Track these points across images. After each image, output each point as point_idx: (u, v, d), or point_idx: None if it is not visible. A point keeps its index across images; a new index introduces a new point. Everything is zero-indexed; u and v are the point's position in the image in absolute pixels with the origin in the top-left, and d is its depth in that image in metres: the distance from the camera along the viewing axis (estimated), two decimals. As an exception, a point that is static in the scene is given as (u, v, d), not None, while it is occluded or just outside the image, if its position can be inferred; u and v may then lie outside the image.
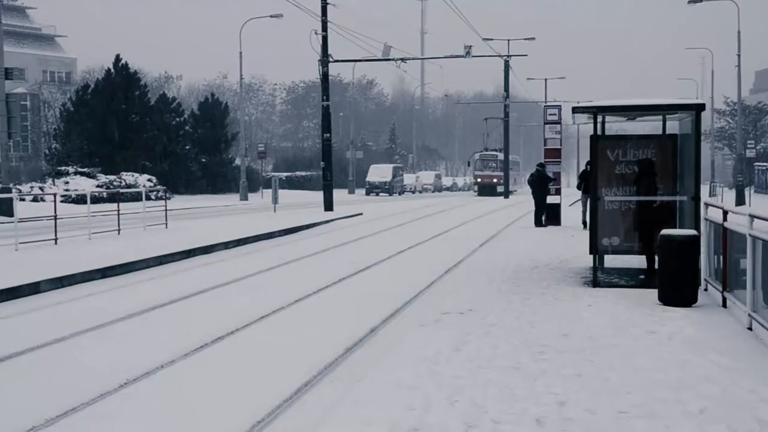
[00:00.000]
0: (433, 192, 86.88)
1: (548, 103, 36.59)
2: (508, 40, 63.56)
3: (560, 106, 30.66)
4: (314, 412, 7.35)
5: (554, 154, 29.35)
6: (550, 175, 28.41)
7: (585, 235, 17.62)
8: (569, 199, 39.22)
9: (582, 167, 26.96)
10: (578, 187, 26.49)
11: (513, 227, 29.03)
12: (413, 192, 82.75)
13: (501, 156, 68.73)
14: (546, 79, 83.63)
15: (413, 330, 10.47)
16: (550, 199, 28.48)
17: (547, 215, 28.13)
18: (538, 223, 27.96)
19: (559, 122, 29.70)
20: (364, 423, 6.75)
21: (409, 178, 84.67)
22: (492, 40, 58.49)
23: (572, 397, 7.39)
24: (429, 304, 12.57)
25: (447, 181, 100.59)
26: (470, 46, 50.51)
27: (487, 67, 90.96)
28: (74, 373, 8.76)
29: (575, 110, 14.19)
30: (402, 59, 47.06)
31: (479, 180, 72.01)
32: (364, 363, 9.05)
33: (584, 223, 24.93)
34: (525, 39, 61.99)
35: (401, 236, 25.58)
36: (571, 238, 22.85)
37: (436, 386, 7.73)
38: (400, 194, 75.57)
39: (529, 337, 9.77)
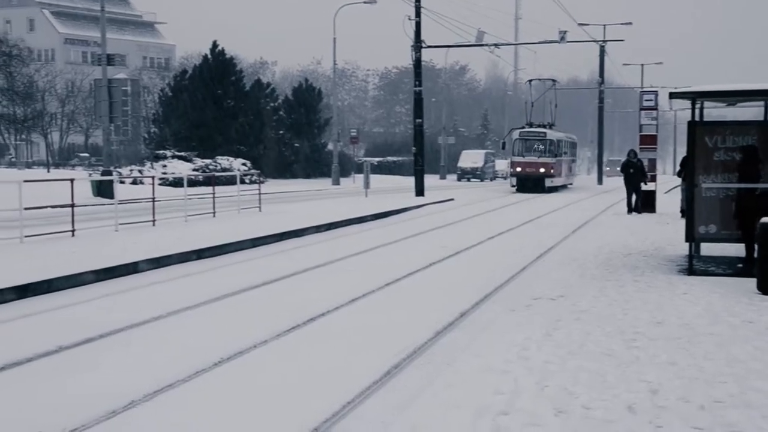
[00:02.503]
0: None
1: (644, 89, 35.94)
2: (604, 25, 62.47)
3: (657, 91, 30.07)
4: (403, 394, 7.37)
5: (650, 140, 28.76)
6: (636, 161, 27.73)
7: (681, 223, 17.27)
8: (664, 186, 38.54)
9: (681, 154, 26.36)
10: (678, 175, 25.89)
11: (606, 214, 28.60)
12: (505, 178, 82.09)
13: (554, 135, 48.80)
14: (642, 65, 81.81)
15: (503, 315, 10.43)
16: (645, 187, 27.95)
17: (642, 202, 27.63)
18: (630, 210, 27.58)
19: (655, 108, 29.09)
20: (453, 406, 6.76)
21: (501, 164, 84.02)
22: (587, 25, 57.54)
23: (665, 385, 7.25)
24: (519, 290, 12.49)
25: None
26: (565, 32, 49.75)
27: (582, 52, 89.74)
28: (169, 351, 8.98)
29: (672, 96, 13.89)
30: (495, 45, 46.69)
31: (518, 169, 47.47)
32: (453, 347, 9.04)
33: (682, 211, 24.39)
34: (621, 24, 60.81)
35: (492, 222, 25.47)
36: (666, 226, 22.41)
37: (525, 371, 7.69)
38: (491, 180, 75.04)
39: (622, 324, 9.63)
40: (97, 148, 74.52)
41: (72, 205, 18.26)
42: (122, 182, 35.07)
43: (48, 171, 63.80)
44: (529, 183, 46.42)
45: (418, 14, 38.30)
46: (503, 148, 51.39)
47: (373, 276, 13.97)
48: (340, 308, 11.29)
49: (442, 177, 74.26)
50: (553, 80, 54.72)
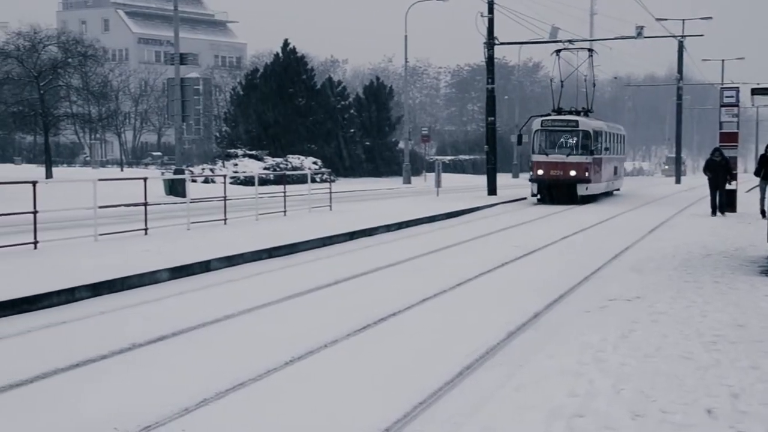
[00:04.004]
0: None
1: (725, 85, 35.04)
2: (683, 20, 61.17)
3: (738, 88, 29.21)
4: (475, 396, 7.26)
5: (730, 138, 28.02)
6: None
7: (762, 224, 16.78)
8: (745, 185, 37.49)
9: (761, 152, 25.50)
10: (756, 173, 25.14)
11: (683, 214, 28.01)
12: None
13: (589, 124, 34.40)
14: (723, 60, 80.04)
15: (578, 316, 10.23)
16: (728, 186, 27.02)
17: (723, 202, 26.79)
18: (714, 211, 26.30)
19: (736, 105, 28.32)
20: (525, 408, 6.62)
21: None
22: (666, 20, 56.42)
23: (747, 389, 7.01)
24: (594, 291, 12.26)
25: (627, 166, 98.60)
26: (642, 27, 48.94)
27: (660, 48, 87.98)
28: (240, 349, 9.00)
29: (755, 92, 13.53)
30: (570, 41, 46.00)
31: (539, 172, 33.46)
32: (526, 348, 8.89)
33: (762, 212, 23.72)
34: (701, 18, 59.54)
35: (566, 221, 25.15)
36: (748, 226, 21.82)
37: (601, 373, 7.50)
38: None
39: (701, 327, 9.35)
40: (169, 146, 75.78)
41: (145, 204, 18.50)
42: (194, 181, 35.50)
43: (121, 170, 65.07)
44: (555, 191, 32.81)
45: (491, 11, 38.00)
46: (519, 143, 40.49)
47: (444, 276, 13.86)
48: (411, 308, 11.20)
49: (515, 176, 73.75)
50: (590, 49, 40.32)
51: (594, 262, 15.43)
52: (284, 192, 24.18)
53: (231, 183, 37.85)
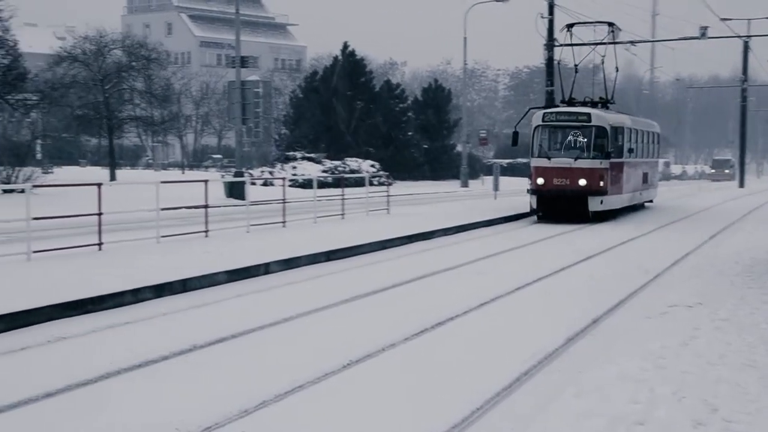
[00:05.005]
0: (660, 180, 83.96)
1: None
2: (749, 20, 60.06)
3: (808, 88, 28.55)
4: (533, 402, 7.24)
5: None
6: None
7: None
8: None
9: None
10: None
11: (749, 218, 27.52)
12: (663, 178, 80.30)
13: (606, 118, 26.90)
14: (790, 60, 78.31)
15: (638, 322, 10.13)
16: None
17: None
18: None
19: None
20: (584, 415, 6.58)
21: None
22: (730, 20, 55.44)
23: (814, 400, 6.86)
24: (655, 296, 12.12)
25: (676, 169, 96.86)
26: (706, 27, 48.20)
27: (724, 48, 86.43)
28: (299, 352, 9.07)
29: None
30: (631, 42, 45.47)
31: (539, 181, 26.12)
32: (585, 354, 8.83)
33: None
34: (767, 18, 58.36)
35: (627, 224, 24.88)
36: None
37: (662, 380, 7.42)
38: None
39: (766, 334, 9.19)
40: (229, 149, 76.49)
41: (206, 206, 18.71)
42: (253, 183, 35.80)
43: (183, 172, 65.87)
44: (560, 205, 25.85)
45: (551, 12, 37.70)
46: (514, 143, 28.95)
47: (502, 280, 13.81)
48: (469, 312, 11.19)
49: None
50: (610, 24, 32.54)
51: (655, 266, 15.23)
52: (342, 195, 24.28)
53: (290, 186, 38.02)
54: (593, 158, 25.47)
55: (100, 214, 15.58)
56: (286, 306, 11.40)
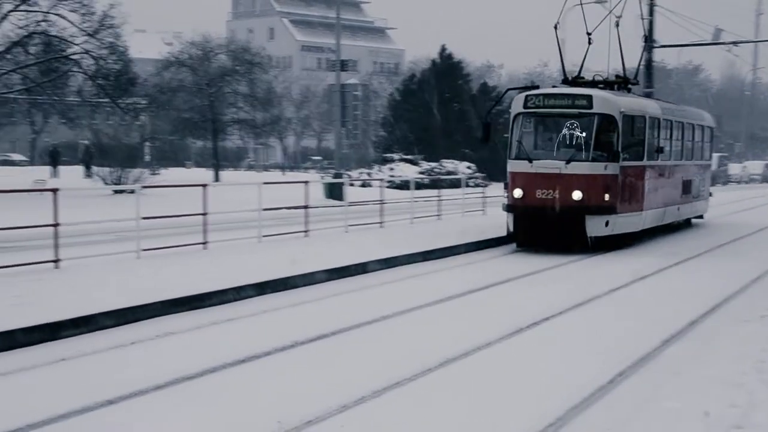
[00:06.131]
0: (761, 182, 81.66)
1: None
2: None
3: None
4: (627, 404, 7.27)
5: None
6: None
7: None
8: None
9: None
10: None
11: None
12: (738, 182, 78.28)
13: (616, 102, 18.62)
14: None
15: (735, 325, 10.03)
16: None
17: None
18: None
19: None
20: (679, 418, 6.59)
21: (734, 168, 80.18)
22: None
23: None
24: (752, 300, 11.97)
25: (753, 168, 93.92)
26: (812, 26, 46.63)
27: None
28: (395, 350, 9.28)
29: None
30: (734, 43, 44.44)
31: (517, 193, 18.21)
32: (681, 357, 8.79)
33: None
34: None
35: (723, 229, 24.26)
36: None
37: (762, 384, 7.38)
38: (723, 184, 71.69)
39: None
40: (328, 151, 77.44)
41: (306, 207, 19.09)
42: (352, 185, 36.23)
43: (283, 173, 66.91)
44: (546, 228, 18.18)
45: (651, 12, 37.13)
46: (485, 140, 22.14)
47: (595, 283, 13.77)
48: (563, 313, 11.24)
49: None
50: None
51: (750, 270, 14.92)
52: (439, 196, 24.42)
53: (387, 187, 38.33)
54: (594, 160, 17.89)
55: (204, 214, 16.10)
56: (384, 304, 11.61)
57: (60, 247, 13.21)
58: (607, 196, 17.87)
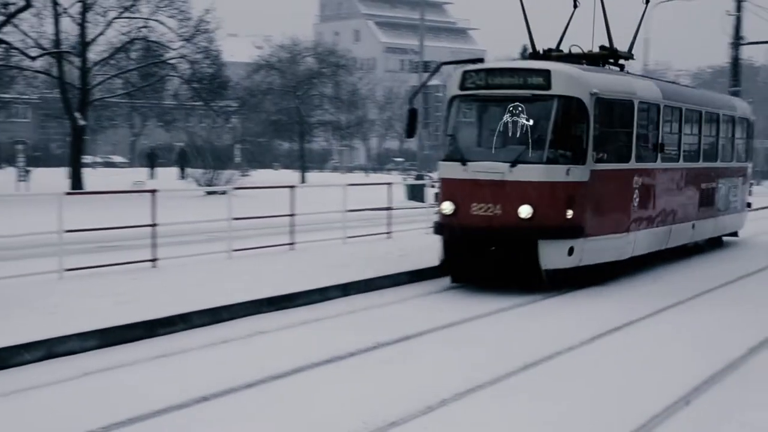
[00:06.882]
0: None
1: None
2: None
3: None
4: (713, 409, 7.42)
5: None
6: None
7: None
8: None
9: None
10: None
11: None
12: None
13: (578, 81, 13.28)
14: None
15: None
16: None
17: None
18: None
19: None
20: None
21: None
22: None
23: None
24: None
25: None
26: None
27: None
28: (480, 351, 9.50)
29: None
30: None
31: (446, 208, 13.39)
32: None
33: None
34: None
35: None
36: None
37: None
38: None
39: None
40: (411, 152, 77.74)
41: (389, 209, 19.42)
42: (433, 186, 36.57)
43: (366, 175, 67.54)
44: (484, 254, 13.16)
45: (738, 8, 36.59)
46: (408, 132, 15.74)
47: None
48: (659, 312, 11.38)
49: (756, 183, 69.86)
50: None
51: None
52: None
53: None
54: (551, 162, 13.09)
55: (292, 215, 16.56)
56: (465, 307, 11.79)
57: (157, 246, 13.76)
58: (569, 212, 12.94)
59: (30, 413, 7.28)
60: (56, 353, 8.95)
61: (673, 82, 20.02)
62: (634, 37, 16.66)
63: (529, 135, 12.95)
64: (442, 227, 13.55)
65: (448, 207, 13.32)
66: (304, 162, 50.70)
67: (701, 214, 17.69)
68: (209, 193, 28.02)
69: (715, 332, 10.63)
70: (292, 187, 17.13)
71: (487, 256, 12.97)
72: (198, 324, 10.47)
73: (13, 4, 32.54)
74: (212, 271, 13.53)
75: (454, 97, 13.95)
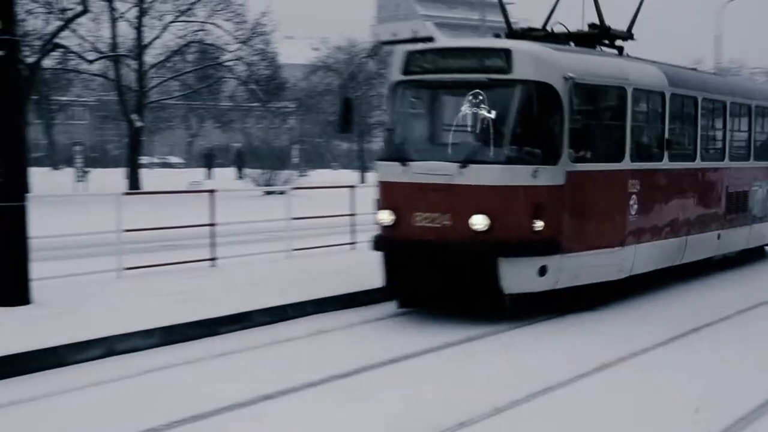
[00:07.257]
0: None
1: None
2: None
3: None
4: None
5: None
6: None
7: None
8: None
9: None
10: None
11: None
12: None
13: (549, 62, 10.71)
14: None
15: None
16: None
17: None
18: None
19: None
20: None
21: None
22: None
23: None
24: None
25: None
26: None
27: None
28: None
29: None
30: None
31: (386, 217, 10.86)
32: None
33: None
34: None
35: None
36: None
37: None
38: None
39: None
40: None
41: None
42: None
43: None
44: (434, 275, 10.55)
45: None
46: (343, 126, 12.25)
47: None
48: (727, 318, 11.08)
49: None
50: None
51: None
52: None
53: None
54: (512, 161, 10.65)
55: (352, 215, 16.42)
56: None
57: (216, 246, 13.73)
58: (538, 223, 10.46)
59: (91, 410, 7.21)
60: (116, 351, 8.90)
61: (693, 69, 17.40)
62: (635, 15, 14.21)
63: (486, 129, 10.56)
64: (381, 241, 11.03)
65: (386, 217, 10.88)
66: (363, 162, 50.70)
67: (729, 222, 15.04)
68: (267, 193, 28.02)
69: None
70: (351, 186, 16.96)
71: (436, 277, 10.52)
72: (260, 323, 10.35)
73: (71, 9, 33.06)
74: (271, 270, 13.44)
75: (395, 84, 11.45)
